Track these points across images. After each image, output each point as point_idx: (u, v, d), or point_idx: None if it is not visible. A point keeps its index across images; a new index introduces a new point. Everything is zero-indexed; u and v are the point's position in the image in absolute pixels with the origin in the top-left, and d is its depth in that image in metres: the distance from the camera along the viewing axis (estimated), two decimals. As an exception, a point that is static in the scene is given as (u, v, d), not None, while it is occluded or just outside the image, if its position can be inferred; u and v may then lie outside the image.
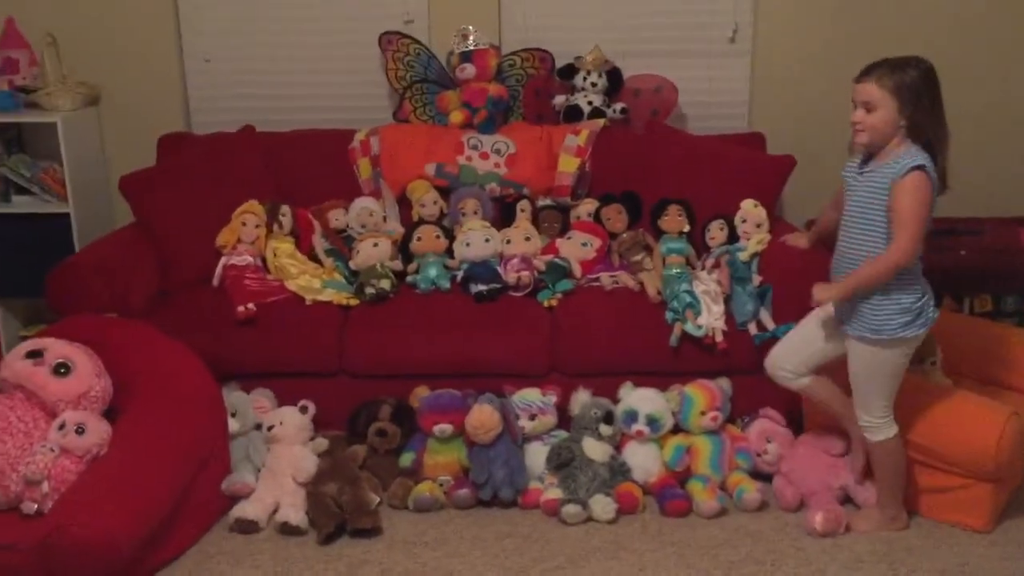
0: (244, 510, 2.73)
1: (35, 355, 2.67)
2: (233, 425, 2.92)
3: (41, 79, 3.82)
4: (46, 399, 2.62)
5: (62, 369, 2.65)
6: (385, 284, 3.19)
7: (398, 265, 3.33)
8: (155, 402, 2.74)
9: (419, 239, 3.39)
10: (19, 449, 2.54)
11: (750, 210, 3.27)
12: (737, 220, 3.28)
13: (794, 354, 2.73)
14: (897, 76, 2.44)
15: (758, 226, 3.26)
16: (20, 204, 3.75)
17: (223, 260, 3.28)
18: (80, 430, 2.57)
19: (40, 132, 3.80)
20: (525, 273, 3.22)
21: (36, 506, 2.49)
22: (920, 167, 2.38)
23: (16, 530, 2.45)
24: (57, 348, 2.69)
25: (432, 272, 3.28)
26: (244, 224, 3.33)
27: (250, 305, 3.09)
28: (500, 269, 3.28)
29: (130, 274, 3.15)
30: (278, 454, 2.90)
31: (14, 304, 3.85)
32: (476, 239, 3.34)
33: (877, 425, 2.61)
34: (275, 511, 2.78)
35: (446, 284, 3.25)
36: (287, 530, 2.71)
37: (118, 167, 3.77)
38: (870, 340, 2.52)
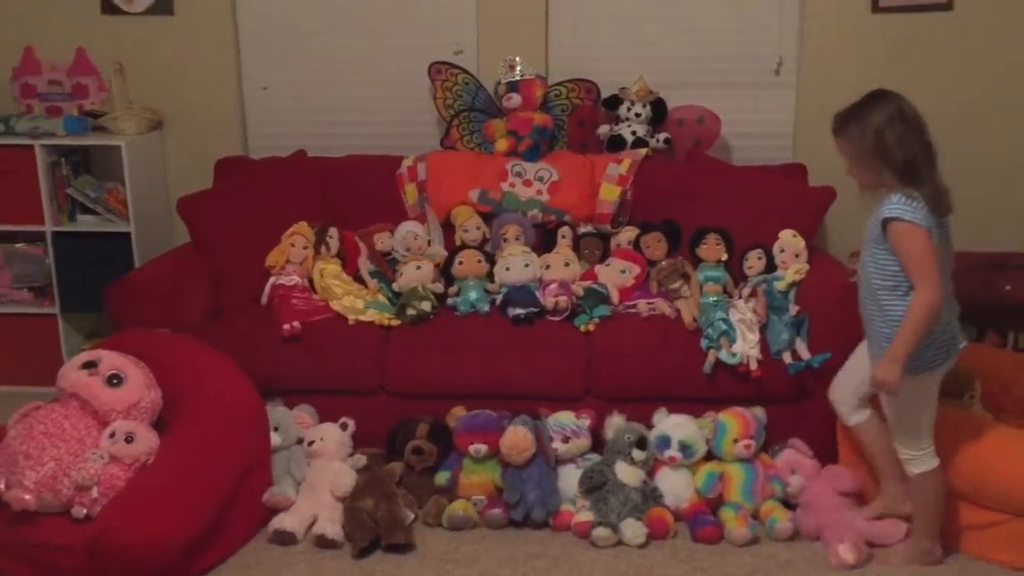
0: (283, 522, 2.81)
1: (90, 365, 2.79)
2: (275, 439, 3.01)
3: (108, 104, 4.01)
4: (99, 408, 2.74)
5: (115, 380, 2.77)
6: (426, 306, 3.27)
7: (439, 288, 3.41)
8: (202, 414, 2.84)
9: (461, 263, 3.47)
10: (71, 455, 2.65)
11: (789, 240, 3.29)
12: (776, 250, 3.30)
13: (846, 382, 2.76)
14: (861, 126, 2.45)
15: (796, 256, 3.27)
16: (85, 223, 3.92)
17: (271, 280, 3.39)
18: (130, 439, 2.68)
19: (105, 154, 3.98)
20: (563, 298, 3.27)
21: (85, 510, 2.59)
22: (892, 219, 2.39)
23: (67, 533, 2.56)
24: (111, 360, 2.81)
25: (472, 295, 3.35)
26: (293, 245, 3.44)
27: (295, 323, 3.19)
28: (539, 294, 3.34)
29: (185, 291, 3.29)
30: (318, 469, 2.98)
31: (76, 319, 4.01)
32: (516, 264, 3.41)
33: (918, 457, 2.59)
34: (312, 524, 2.85)
35: (485, 307, 3.32)
36: (323, 543, 2.78)
37: (178, 189, 3.94)
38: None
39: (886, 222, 2.41)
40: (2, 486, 2.59)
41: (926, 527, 2.67)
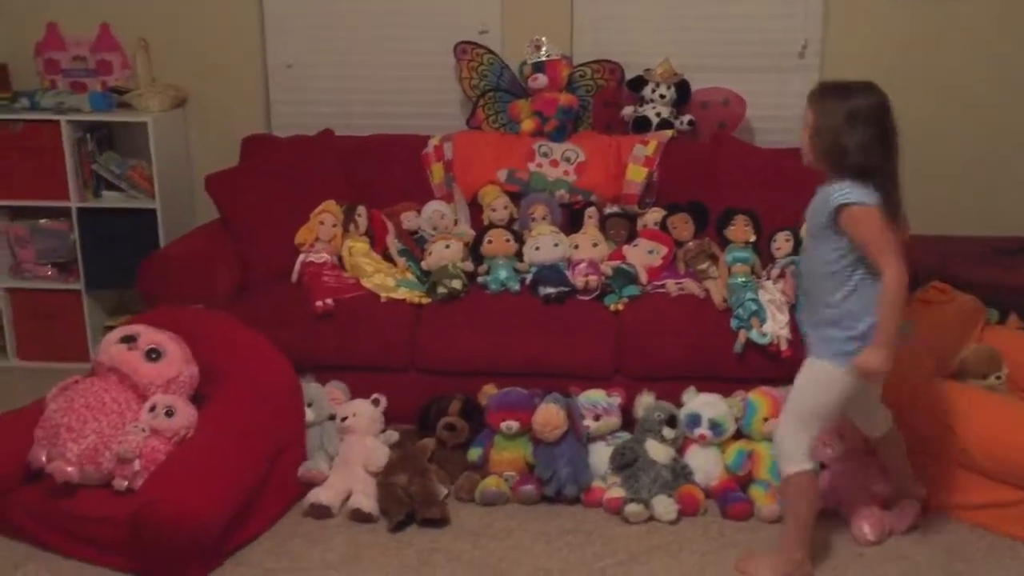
0: (318, 496, 2.84)
1: (129, 340, 2.81)
2: (309, 415, 3.04)
3: (133, 81, 4.01)
4: (138, 382, 2.76)
5: (153, 354, 2.79)
6: (457, 284, 3.29)
7: (469, 266, 3.43)
8: (238, 390, 2.86)
9: (490, 242, 3.49)
10: (112, 428, 2.67)
11: (816, 222, 3.32)
12: (803, 232, 3.32)
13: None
14: (837, 105, 2.35)
15: (824, 238, 3.30)
16: (109, 199, 3.94)
17: (301, 257, 3.41)
18: (169, 413, 2.71)
19: (129, 131, 4.00)
20: (593, 277, 3.30)
21: (127, 483, 2.62)
22: (845, 205, 2.32)
23: (109, 505, 2.59)
24: (149, 334, 2.83)
25: (502, 274, 3.37)
26: (322, 223, 3.46)
27: (328, 300, 3.21)
28: (568, 273, 3.36)
29: (215, 268, 3.31)
30: (351, 444, 3.01)
31: (101, 295, 4.03)
32: (545, 243, 3.44)
33: (794, 454, 2.48)
34: (347, 498, 2.88)
35: (516, 286, 3.35)
36: (359, 517, 2.81)
37: (201, 166, 3.96)
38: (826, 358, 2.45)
39: (839, 209, 2.33)
40: (44, 458, 2.62)
41: (796, 536, 2.52)
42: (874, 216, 2.33)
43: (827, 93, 2.43)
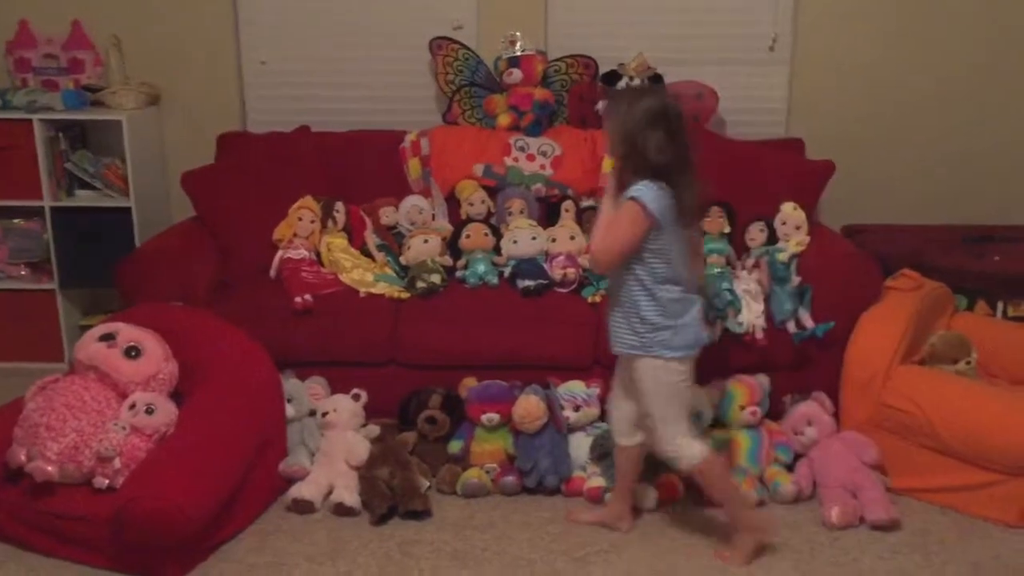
0: (300, 491, 2.85)
1: (108, 338, 2.80)
2: (289, 411, 3.05)
3: (106, 79, 3.99)
4: (118, 380, 2.75)
5: (133, 352, 2.78)
6: (436, 278, 3.31)
7: (448, 261, 3.45)
8: (219, 386, 2.86)
9: (468, 236, 3.51)
10: (92, 427, 2.67)
11: (790, 213, 3.37)
12: (777, 222, 3.38)
13: (617, 409, 2.72)
14: (616, 115, 2.46)
15: (797, 228, 3.36)
16: (83, 198, 3.91)
17: (280, 253, 3.41)
18: (150, 410, 2.70)
19: (103, 129, 3.97)
20: (571, 270, 3.32)
21: (107, 481, 2.61)
22: (631, 197, 2.40)
23: (89, 503, 2.59)
24: (128, 332, 2.82)
25: (481, 268, 3.39)
26: (300, 219, 3.46)
27: (307, 296, 3.21)
28: (546, 266, 3.39)
29: (193, 265, 3.30)
30: (332, 439, 3.02)
31: (74, 294, 4.00)
32: (523, 237, 3.46)
33: (680, 452, 2.55)
34: (329, 493, 2.89)
35: (494, 280, 3.37)
36: (341, 511, 2.83)
37: (175, 164, 3.95)
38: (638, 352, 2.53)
39: (629, 199, 2.41)
40: (24, 457, 2.60)
41: (734, 518, 2.64)
42: (638, 217, 2.40)
43: (622, 99, 2.56)
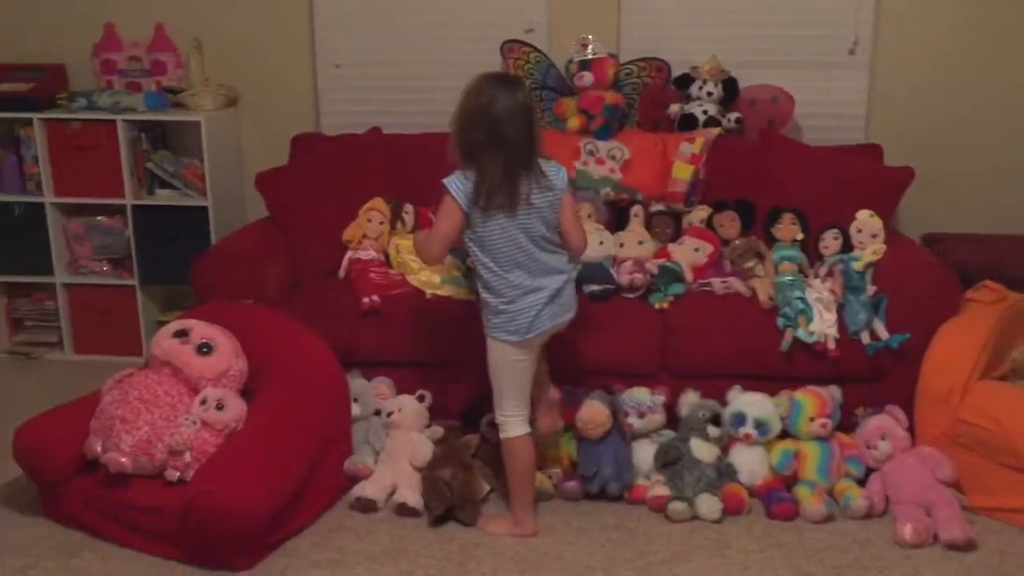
0: (364, 489, 2.88)
1: (181, 334, 2.88)
2: (355, 410, 3.09)
3: (186, 81, 4.10)
4: (190, 375, 2.82)
5: (205, 348, 2.85)
6: None
7: None
8: (286, 384, 2.90)
9: (534, 240, 3.50)
10: (165, 420, 2.74)
11: (866, 220, 3.29)
12: (852, 230, 3.30)
13: None
14: (460, 100, 2.63)
15: (874, 236, 3.27)
16: (163, 197, 4.02)
17: (349, 254, 3.45)
18: (220, 406, 2.76)
19: (182, 130, 4.08)
20: (638, 275, 3.29)
21: (179, 474, 2.68)
22: (444, 186, 2.60)
23: (161, 495, 2.66)
24: (201, 329, 2.89)
25: (546, 272, 3.37)
26: (369, 220, 3.50)
27: (374, 297, 3.25)
28: (613, 271, 3.36)
29: (266, 264, 3.36)
30: (396, 439, 3.04)
31: (153, 290, 4.12)
32: (591, 241, 3.42)
33: (502, 423, 2.71)
34: (392, 492, 2.92)
35: (560, 284, 3.35)
36: (403, 511, 2.84)
37: (251, 164, 4.04)
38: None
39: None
40: (99, 449, 2.69)
41: (514, 495, 2.75)
42: (447, 206, 2.61)
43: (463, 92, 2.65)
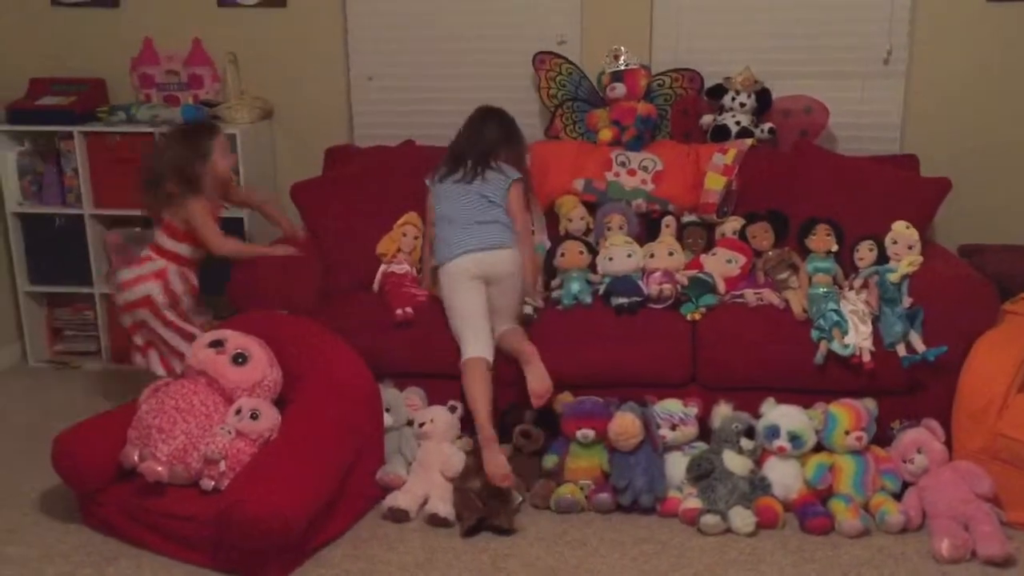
0: (397, 500, 2.90)
1: (217, 344, 2.91)
2: (387, 420, 3.10)
3: (222, 94, 4.15)
4: (225, 385, 2.85)
5: (240, 359, 2.88)
6: (528, 309, 3.31)
7: (541, 303, 3.38)
8: (319, 394, 2.93)
9: (563, 255, 3.49)
10: (200, 429, 2.78)
11: (902, 232, 3.26)
12: (888, 241, 3.27)
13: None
14: None
15: (909, 248, 3.24)
16: (199, 209, 4.07)
17: (383, 268, 3.47)
18: (255, 415, 2.79)
19: (219, 143, 4.13)
20: (667, 286, 3.28)
21: (214, 483, 2.72)
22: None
23: (196, 504, 2.69)
24: (236, 339, 2.92)
25: (575, 287, 3.36)
26: (404, 235, 3.52)
27: (408, 309, 3.26)
28: (641, 283, 3.35)
29: (300, 275, 3.39)
30: (428, 450, 3.05)
31: (189, 301, 4.16)
32: (619, 254, 3.43)
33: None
34: (424, 503, 2.93)
35: (588, 299, 3.34)
36: (435, 521, 2.85)
37: (286, 176, 4.07)
38: None
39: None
40: (136, 457, 2.72)
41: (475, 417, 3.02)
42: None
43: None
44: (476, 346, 3.11)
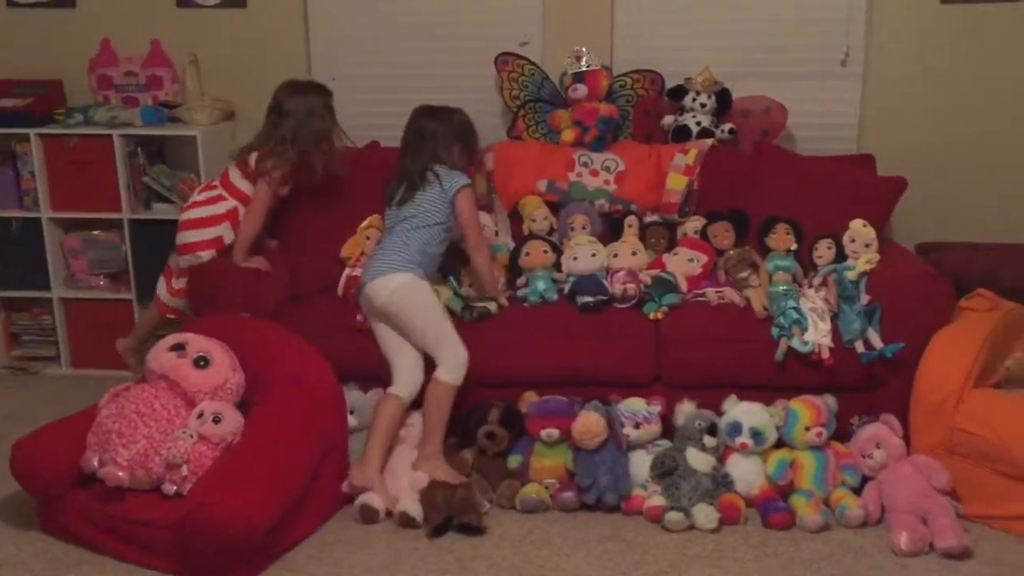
0: (371, 499, 2.88)
1: (178, 348, 2.88)
2: (351, 422, 3.09)
3: (182, 96, 4.11)
4: (187, 389, 2.82)
5: (202, 362, 2.86)
6: (491, 306, 3.30)
7: (505, 302, 3.37)
8: (283, 397, 2.91)
9: (527, 254, 3.50)
10: (162, 434, 2.74)
11: (859, 230, 3.31)
12: (845, 239, 3.32)
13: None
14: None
15: (867, 246, 3.28)
16: (160, 211, 4.04)
17: (347, 271, 3.45)
18: (217, 419, 2.77)
19: (179, 144, 4.10)
20: (631, 285, 3.30)
21: (175, 488, 2.69)
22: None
23: (158, 509, 2.66)
24: (198, 342, 2.90)
25: (540, 285, 3.38)
26: (368, 238, 3.51)
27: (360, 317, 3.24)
28: (606, 282, 3.37)
29: (263, 279, 3.36)
30: (400, 455, 3.05)
31: (151, 305, 4.10)
32: (583, 253, 3.45)
33: None
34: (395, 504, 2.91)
35: (554, 296, 3.36)
36: (405, 521, 2.84)
37: (248, 179, 4.03)
38: None
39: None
40: (96, 463, 2.69)
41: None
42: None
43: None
44: (393, 383, 3.09)
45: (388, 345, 3.13)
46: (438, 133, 3.29)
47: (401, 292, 3.07)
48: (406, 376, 3.08)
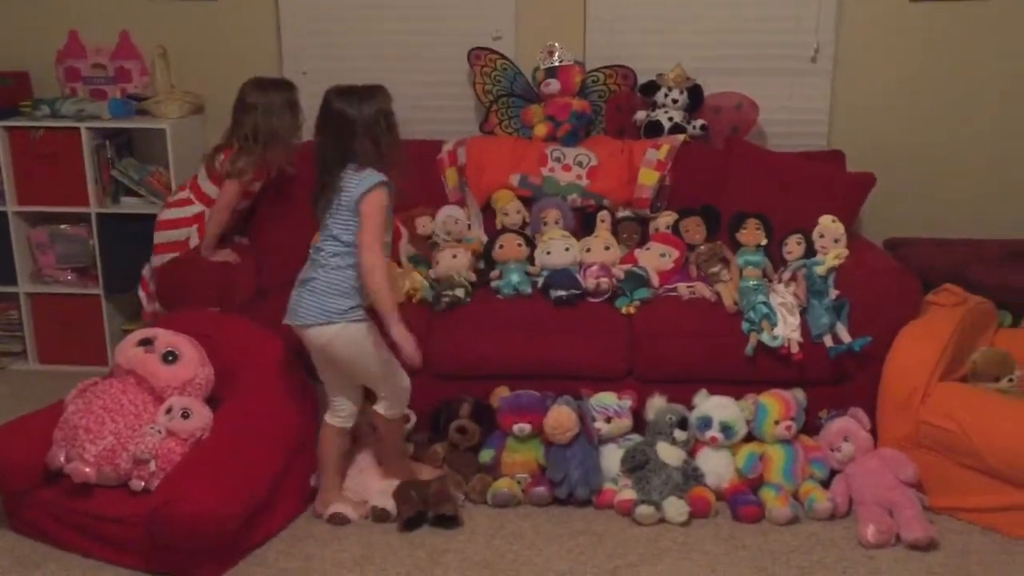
0: (338, 507, 2.86)
1: (146, 343, 2.86)
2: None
3: (151, 88, 4.07)
4: (155, 384, 2.80)
5: (170, 357, 2.83)
6: (460, 292, 3.29)
7: (472, 276, 3.41)
8: (253, 392, 2.90)
9: (501, 247, 3.51)
10: (129, 430, 2.72)
11: (828, 225, 3.33)
12: (815, 235, 3.35)
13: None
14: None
15: (836, 241, 3.31)
16: (128, 205, 4.00)
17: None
18: (186, 414, 2.75)
19: (148, 138, 4.05)
20: (604, 279, 3.31)
21: (143, 484, 2.66)
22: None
23: (125, 505, 2.64)
24: (166, 337, 2.88)
25: (514, 278, 3.38)
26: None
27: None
28: (579, 276, 3.38)
29: (232, 273, 3.33)
30: (364, 452, 3.03)
31: (119, 299, 4.08)
32: (557, 247, 3.46)
33: None
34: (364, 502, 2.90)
35: (528, 289, 3.36)
36: (378, 515, 2.84)
37: (218, 172, 3.99)
38: None
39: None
40: (63, 459, 2.66)
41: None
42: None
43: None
44: (333, 410, 2.89)
45: (328, 379, 2.87)
46: (351, 120, 2.78)
47: (336, 342, 2.71)
48: (349, 408, 2.88)
